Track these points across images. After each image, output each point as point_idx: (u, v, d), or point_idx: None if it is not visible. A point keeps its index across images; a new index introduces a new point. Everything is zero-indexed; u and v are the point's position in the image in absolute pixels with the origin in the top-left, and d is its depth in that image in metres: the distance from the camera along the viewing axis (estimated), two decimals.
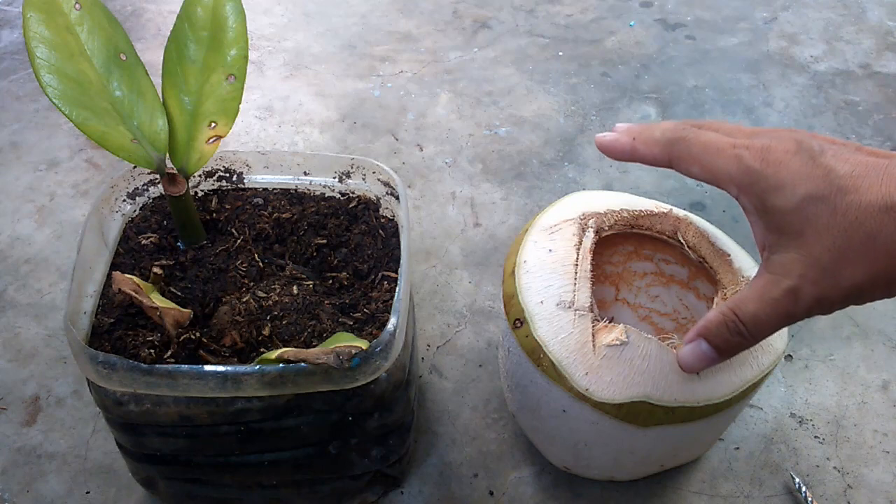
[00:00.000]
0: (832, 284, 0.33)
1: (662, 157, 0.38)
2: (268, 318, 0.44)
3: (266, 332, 0.44)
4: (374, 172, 0.52)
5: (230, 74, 0.45)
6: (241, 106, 0.46)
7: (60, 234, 0.72)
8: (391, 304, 0.45)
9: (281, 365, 0.39)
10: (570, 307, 0.45)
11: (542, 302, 0.46)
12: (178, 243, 0.49)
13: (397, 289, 0.43)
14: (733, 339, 0.37)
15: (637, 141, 0.39)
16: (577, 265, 0.47)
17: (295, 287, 0.46)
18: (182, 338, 0.43)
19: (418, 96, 0.88)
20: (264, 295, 0.45)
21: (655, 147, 0.38)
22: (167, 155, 0.45)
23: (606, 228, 0.52)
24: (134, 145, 0.44)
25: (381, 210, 0.52)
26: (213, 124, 0.45)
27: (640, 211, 0.52)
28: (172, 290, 0.46)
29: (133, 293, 0.41)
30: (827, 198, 0.32)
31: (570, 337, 0.45)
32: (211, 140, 0.45)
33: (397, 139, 0.83)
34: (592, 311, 0.46)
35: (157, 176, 0.52)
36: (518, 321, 0.46)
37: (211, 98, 0.45)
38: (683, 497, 0.54)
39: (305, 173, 0.53)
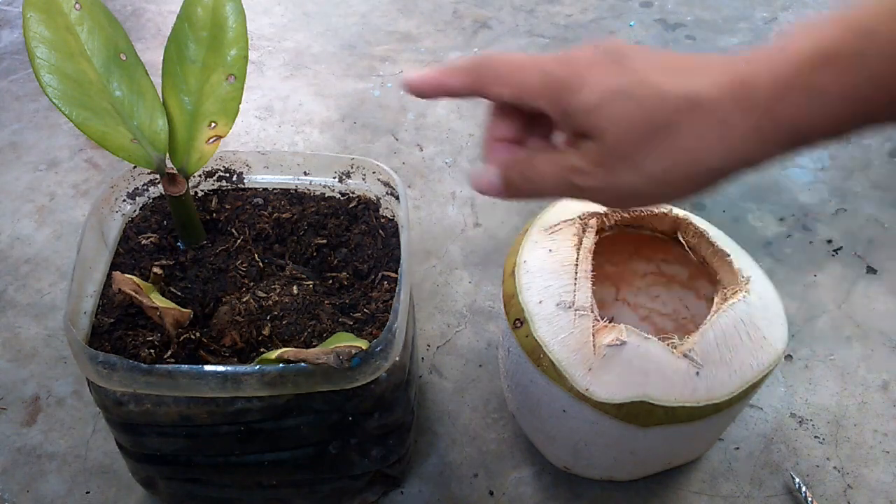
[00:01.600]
0: (634, 171, 0.33)
1: (470, 83, 0.37)
2: (268, 318, 0.44)
3: (266, 332, 0.44)
4: (374, 172, 0.52)
5: (230, 74, 0.45)
6: (241, 106, 0.46)
7: (60, 234, 0.72)
8: (391, 304, 0.45)
9: (281, 365, 0.39)
10: (570, 307, 0.45)
11: (541, 302, 0.46)
12: (178, 243, 0.49)
13: (397, 289, 0.43)
14: (522, 184, 0.37)
15: (442, 73, 0.37)
16: (577, 265, 0.47)
17: (295, 287, 0.46)
18: (182, 338, 0.43)
19: None
20: (264, 295, 0.45)
21: (461, 74, 0.37)
22: (167, 155, 0.45)
23: (606, 228, 0.52)
24: (134, 145, 0.44)
25: (381, 210, 0.52)
26: (213, 124, 0.45)
27: (640, 211, 0.52)
28: (172, 290, 0.46)
29: (133, 293, 0.41)
30: (627, 91, 0.32)
31: (570, 337, 0.45)
32: (211, 140, 0.45)
33: (397, 139, 0.83)
34: (592, 311, 0.46)
35: (157, 176, 0.52)
36: (518, 321, 0.46)
37: (211, 98, 0.45)
38: (683, 497, 0.54)
39: (305, 173, 0.53)
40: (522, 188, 0.36)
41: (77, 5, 0.43)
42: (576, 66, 0.34)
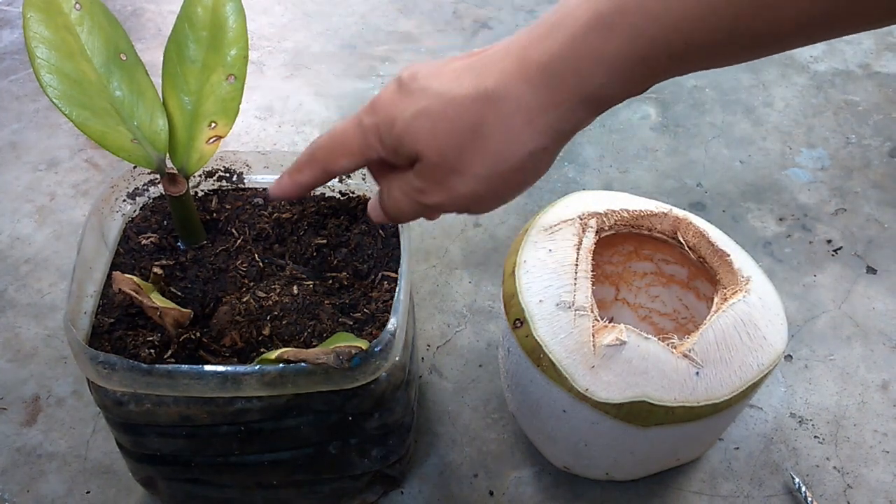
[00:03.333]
0: (466, 179, 0.35)
1: (318, 172, 0.40)
2: (268, 318, 0.44)
3: (266, 332, 0.44)
4: None
5: (230, 74, 0.45)
6: (241, 106, 0.46)
7: (60, 234, 0.72)
8: (391, 304, 0.45)
9: (281, 365, 0.39)
10: (569, 307, 0.45)
11: (541, 302, 0.46)
12: (178, 243, 0.49)
13: (397, 289, 0.43)
14: (391, 211, 0.39)
15: (292, 177, 0.41)
16: (576, 265, 0.47)
17: (295, 287, 0.46)
18: (182, 338, 0.43)
19: None
20: (264, 295, 0.45)
21: (306, 169, 0.40)
22: (167, 155, 0.45)
23: (606, 228, 0.52)
24: (134, 145, 0.44)
25: None
26: (213, 124, 0.45)
27: (640, 211, 0.52)
28: (172, 290, 0.46)
29: (133, 293, 0.41)
30: (425, 111, 0.34)
31: (570, 337, 0.45)
32: (211, 140, 0.45)
33: None
34: (592, 311, 0.46)
35: (158, 176, 0.52)
36: (518, 321, 0.46)
37: (211, 98, 0.45)
38: (683, 497, 0.54)
39: None
40: (393, 215, 0.39)
41: (77, 5, 0.43)
42: (381, 108, 0.36)
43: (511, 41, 0.33)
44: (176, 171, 0.46)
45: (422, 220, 0.41)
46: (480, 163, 0.34)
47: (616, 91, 0.32)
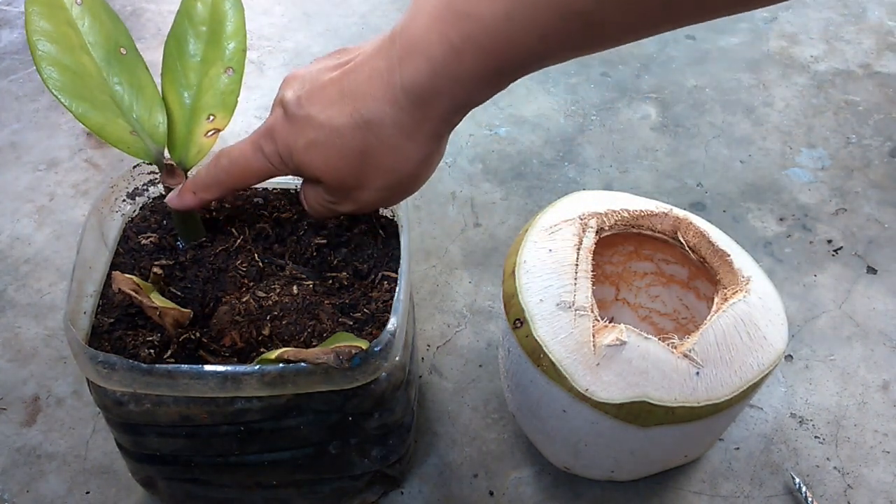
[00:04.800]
0: (368, 192, 0.39)
1: (223, 193, 0.43)
2: (268, 318, 0.44)
3: (266, 332, 0.44)
4: None
5: (228, 68, 0.46)
6: (241, 105, 0.46)
7: (60, 234, 0.72)
8: (391, 304, 0.45)
9: (281, 365, 0.39)
10: (570, 307, 0.45)
11: (542, 302, 0.46)
12: (178, 243, 0.49)
13: (397, 289, 0.43)
14: (311, 212, 0.44)
15: (197, 194, 0.44)
16: (576, 265, 0.47)
17: (295, 287, 0.46)
18: (182, 338, 0.43)
19: None
20: (264, 295, 0.45)
21: (212, 189, 0.43)
22: (166, 149, 0.46)
23: (606, 228, 0.52)
24: (133, 137, 0.44)
25: (381, 210, 0.52)
26: (211, 117, 0.46)
27: (640, 211, 0.52)
28: (172, 289, 0.46)
29: (133, 293, 0.41)
30: (314, 142, 0.37)
31: (570, 337, 0.45)
32: (209, 133, 0.46)
33: None
34: (592, 312, 0.46)
35: (157, 176, 0.52)
36: (518, 321, 0.46)
37: (209, 91, 0.46)
38: (683, 497, 0.54)
39: None
40: (314, 216, 0.44)
41: (78, 1, 0.44)
42: (277, 136, 0.39)
43: (372, 60, 0.36)
44: (174, 164, 0.46)
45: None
46: (377, 178, 0.38)
47: (480, 97, 0.35)
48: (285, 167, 0.40)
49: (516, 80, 0.34)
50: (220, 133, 0.46)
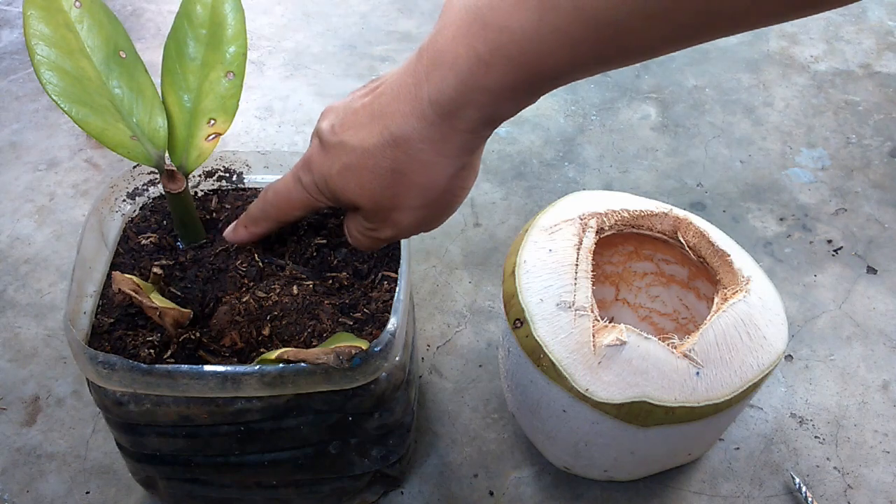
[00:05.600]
0: (406, 214, 0.39)
1: (272, 226, 0.45)
2: (268, 318, 0.44)
3: (266, 332, 0.44)
4: None
5: (229, 71, 0.46)
6: (241, 106, 0.46)
7: (60, 234, 0.72)
8: (391, 304, 0.45)
9: (281, 365, 0.39)
10: (570, 307, 0.45)
11: (542, 302, 0.46)
12: (178, 243, 0.49)
13: (397, 289, 0.43)
14: (354, 243, 0.44)
15: (248, 228, 0.46)
16: (577, 265, 0.47)
17: (295, 287, 0.46)
18: (182, 338, 0.43)
19: None
20: (264, 295, 0.45)
21: (260, 223, 0.45)
22: (166, 153, 0.45)
23: (606, 228, 0.52)
24: (133, 142, 0.44)
25: None
26: (211, 121, 0.45)
27: (640, 211, 0.52)
28: (172, 290, 0.46)
29: (133, 293, 0.41)
30: (347, 166, 0.38)
31: (570, 337, 0.45)
32: (210, 137, 0.45)
33: None
34: (592, 311, 0.45)
35: (157, 176, 0.52)
36: (518, 321, 0.46)
37: (210, 95, 0.45)
38: (683, 497, 0.54)
39: None
40: (360, 248, 0.44)
41: (77, 3, 0.43)
42: (314, 167, 0.40)
43: (400, 79, 0.36)
44: (175, 168, 0.46)
45: None
46: (412, 196, 0.37)
47: (508, 110, 0.34)
48: (323, 196, 0.40)
49: (545, 93, 0.33)
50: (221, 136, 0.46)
